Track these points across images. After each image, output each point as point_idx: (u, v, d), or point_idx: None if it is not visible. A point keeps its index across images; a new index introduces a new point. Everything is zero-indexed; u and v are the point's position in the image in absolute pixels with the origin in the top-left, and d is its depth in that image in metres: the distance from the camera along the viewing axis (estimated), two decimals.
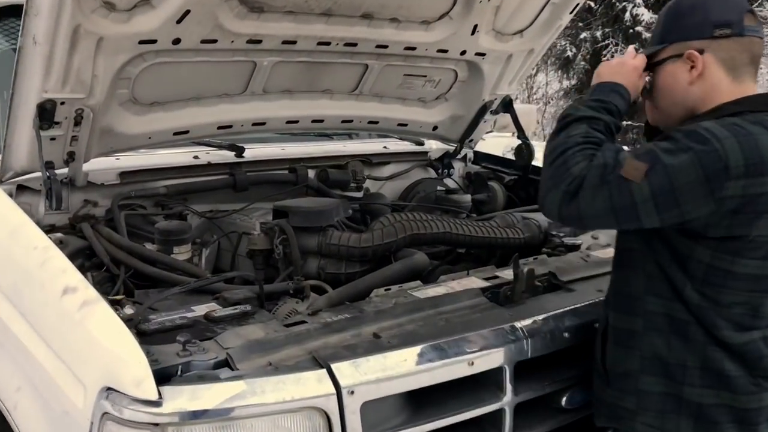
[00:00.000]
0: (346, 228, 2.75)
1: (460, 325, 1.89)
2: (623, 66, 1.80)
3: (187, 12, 2.26)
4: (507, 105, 3.48)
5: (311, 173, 3.15)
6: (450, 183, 3.66)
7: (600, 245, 2.81)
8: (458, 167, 3.77)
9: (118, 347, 1.57)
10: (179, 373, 1.57)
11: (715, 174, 1.53)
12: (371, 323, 1.84)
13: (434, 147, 3.69)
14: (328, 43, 2.71)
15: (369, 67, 2.98)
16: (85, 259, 2.33)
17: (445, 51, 3.03)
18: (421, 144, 3.68)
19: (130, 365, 1.52)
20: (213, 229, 2.83)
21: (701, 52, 1.68)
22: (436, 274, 2.59)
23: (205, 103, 2.72)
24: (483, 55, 3.15)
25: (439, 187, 3.45)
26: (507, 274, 2.25)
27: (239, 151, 2.98)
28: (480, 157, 3.82)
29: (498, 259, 2.81)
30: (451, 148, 3.67)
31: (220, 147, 2.98)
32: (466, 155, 3.77)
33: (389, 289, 2.12)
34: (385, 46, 2.86)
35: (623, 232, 1.85)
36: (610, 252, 2.53)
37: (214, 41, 2.44)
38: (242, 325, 1.81)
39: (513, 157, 3.55)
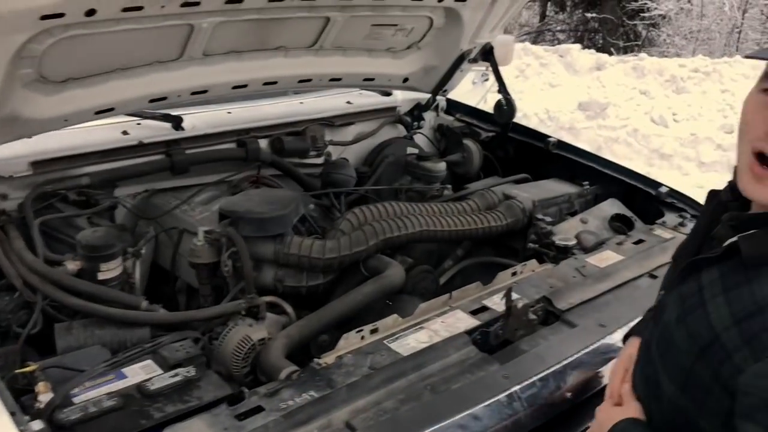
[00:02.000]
0: (303, 222, 2.37)
1: (448, 398, 1.58)
2: None
3: None
4: (487, 53, 3.04)
5: (263, 143, 2.71)
6: (420, 139, 3.27)
7: (590, 235, 2.50)
8: (429, 118, 3.36)
9: None
10: None
11: None
12: (343, 405, 1.52)
13: (400, 98, 3.25)
14: None
15: (331, 20, 2.50)
16: None
17: None
18: (389, 95, 3.23)
19: None
20: (150, 213, 2.43)
21: None
22: (408, 285, 2.27)
23: (132, 74, 2.23)
24: (464, 0, 2.69)
25: (409, 149, 3.05)
26: (496, 302, 1.94)
27: (176, 122, 2.52)
28: (453, 106, 3.40)
29: None
30: (422, 96, 3.25)
31: (153, 117, 2.50)
32: (438, 104, 3.35)
33: (362, 334, 1.78)
34: None
35: None
36: (605, 257, 2.25)
37: (140, 8, 1.94)
38: (182, 418, 1.47)
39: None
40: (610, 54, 10.85)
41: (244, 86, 2.53)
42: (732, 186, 1.20)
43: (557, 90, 8.73)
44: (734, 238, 1.12)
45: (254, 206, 2.15)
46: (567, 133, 7.72)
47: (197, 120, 2.62)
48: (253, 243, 2.11)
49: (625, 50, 14.04)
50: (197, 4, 2.05)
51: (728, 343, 1.04)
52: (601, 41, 15.45)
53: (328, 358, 1.70)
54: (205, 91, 2.43)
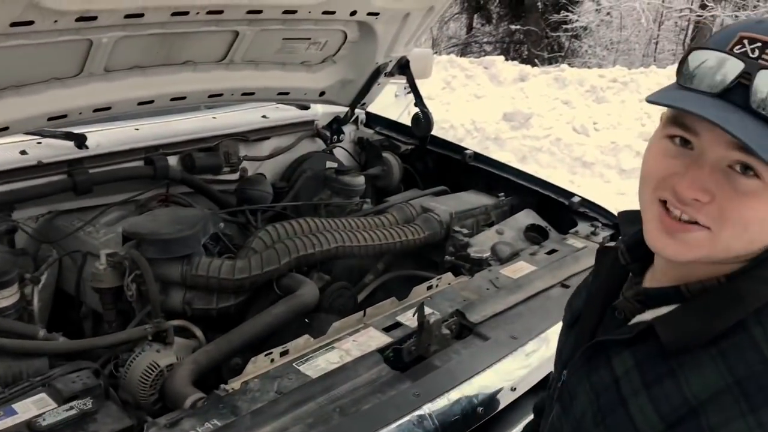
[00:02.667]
0: (217, 240, 2.30)
1: (357, 420, 1.54)
2: None
3: None
4: (403, 67, 3.05)
5: (173, 160, 2.63)
6: (340, 153, 3.24)
7: (506, 246, 2.52)
8: (349, 131, 3.33)
9: None
10: None
11: None
12: None
13: (321, 111, 3.22)
14: (185, 13, 2.16)
15: (240, 34, 2.45)
16: None
17: (332, 12, 2.54)
18: (306, 108, 3.19)
19: None
20: (52, 236, 2.32)
21: None
22: (324, 302, 2.23)
23: (27, 92, 2.12)
24: (376, 14, 2.69)
25: (328, 163, 3.02)
26: (409, 317, 1.92)
27: (79, 141, 2.41)
28: (373, 119, 3.39)
29: None
30: (341, 110, 3.22)
31: (54, 136, 2.39)
32: (357, 117, 3.33)
33: (272, 357, 1.73)
34: (259, 11, 2.34)
35: None
36: (518, 268, 2.27)
37: (30, 23, 1.85)
38: None
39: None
40: (534, 65, 11.12)
41: (151, 102, 2.45)
42: (629, 246, 1.05)
43: (482, 101, 8.87)
44: (644, 317, 0.96)
45: (159, 227, 2.07)
46: (493, 143, 7.84)
47: (103, 138, 2.51)
48: (159, 265, 2.04)
49: (550, 61, 14.41)
50: (94, 18, 1.97)
51: None
52: (526, 53, 15.81)
53: (235, 384, 1.64)
54: (108, 108, 2.34)
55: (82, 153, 2.41)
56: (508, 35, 16.94)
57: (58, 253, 2.24)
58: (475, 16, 17.97)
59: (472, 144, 6.95)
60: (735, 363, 0.84)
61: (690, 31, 14.86)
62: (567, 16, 14.57)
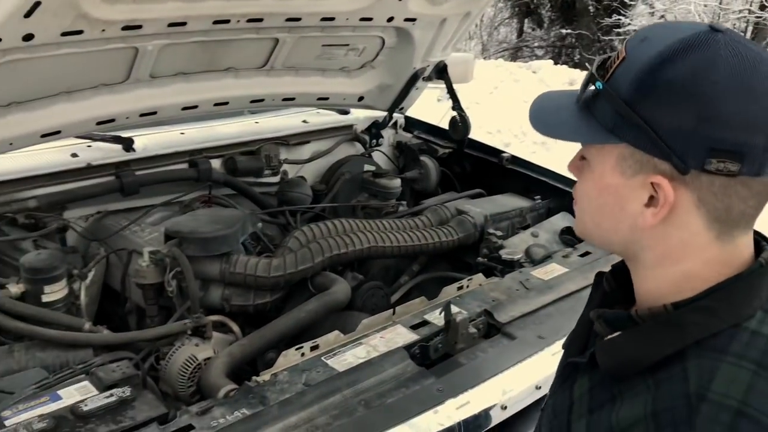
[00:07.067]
0: (258, 240, 2.39)
1: (381, 413, 1.59)
2: None
3: (38, 4, 1.77)
4: (441, 71, 3.09)
5: (216, 163, 2.73)
6: (378, 157, 3.29)
7: (540, 248, 2.53)
8: (388, 135, 3.39)
9: None
10: None
11: None
12: (274, 422, 1.53)
13: (360, 116, 3.28)
14: (226, 21, 2.25)
15: (280, 41, 2.53)
16: None
17: (369, 19, 2.60)
18: (346, 113, 3.26)
19: None
20: (101, 235, 2.44)
21: (671, 180, 0.83)
22: (357, 301, 2.29)
23: (78, 98, 2.24)
24: (413, 20, 2.73)
25: (366, 167, 3.08)
26: (437, 316, 1.96)
27: (127, 144, 2.53)
28: (411, 123, 3.44)
29: None
30: (379, 114, 3.28)
31: (103, 140, 2.52)
32: (396, 121, 3.39)
33: (302, 351, 1.80)
34: (298, 19, 2.41)
35: None
36: (550, 270, 2.28)
37: (80, 32, 1.96)
38: None
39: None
40: (585, 69, 10.99)
41: (195, 107, 2.55)
42: (614, 270, 1.02)
43: (530, 105, 8.81)
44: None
45: (199, 226, 2.16)
46: (540, 147, 7.79)
47: (149, 141, 2.63)
48: (199, 262, 2.13)
49: None
50: (139, 27, 2.07)
51: None
52: (578, 57, 15.63)
53: (265, 376, 1.71)
54: (154, 113, 2.45)
55: (129, 156, 2.53)
56: (559, 39, 16.78)
57: (106, 251, 2.35)
58: (526, 20, 17.86)
59: (519, 149, 6.91)
60: (662, 394, 0.82)
61: (749, 33, 14.48)
62: (619, 19, 14.35)
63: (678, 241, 0.86)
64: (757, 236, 0.90)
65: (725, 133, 0.78)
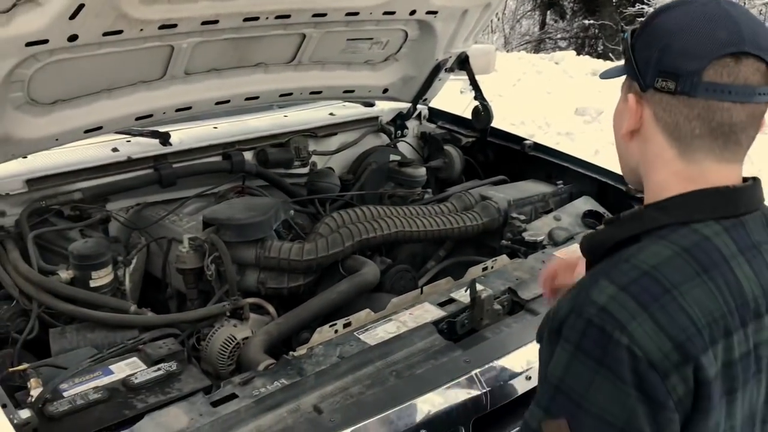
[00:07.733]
0: (290, 228, 2.50)
1: (412, 382, 1.69)
2: None
3: (81, 6, 1.90)
4: (463, 62, 3.17)
5: (248, 155, 2.84)
6: (403, 147, 3.39)
7: (562, 231, 2.60)
8: (412, 126, 3.48)
9: None
10: None
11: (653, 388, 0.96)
12: (311, 390, 1.63)
13: (385, 108, 3.38)
14: (256, 18, 2.36)
15: (307, 36, 2.63)
16: None
17: (392, 13, 2.69)
18: (371, 105, 3.36)
19: None
20: (141, 225, 2.56)
21: (639, 99, 1.08)
22: (386, 284, 2.39)
23: (118, 95, 2.37)
24: (435, 13, 2.82)
25: (392, 157, 3.18)
26: (463, 294, 2.05)
27: (164, 138, 2.66)
28: (435, 114, 3.53)
29: None
30: (404, 106, 3.37)
31: (141, 134, 2.65)
32: (420, 112, 3.48)
33: (336, 327, 1.90)
34: (323, 14, 2.51)
35: None
36: (572, 250, 2.35)
37: (120, 32, 2.08)
38: (162, 407, 1.59)
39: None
40: (609, 59, 10.97)
41: (227, 102, 2.67)
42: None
43: (553, 96, 8.83)
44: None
45: (235, 213, 2.27)
46: (565, 138, 7.82)
47: (185, 135, 2.76)
48: (235, 248, 2.24)
49: None
50: (174, 26, 2.19)
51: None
52: (601, 47, 15.56)
53: (302, 350, 1.82)
54: (189, 108, 2.57)
55: (167, 149, 2.66)
56: (582, 30, 16.70)
57: (146, 240, 2.47)
58: (549, 12, 17.81)
59: (543, 139, 6.92)
60: (607, 261, 1.05)
61: None
62: (642, 8, 14.25)
63: (652, 155, 1.09)
64: (753, 178, 1.10)
65: (669, 59, 1.04)
